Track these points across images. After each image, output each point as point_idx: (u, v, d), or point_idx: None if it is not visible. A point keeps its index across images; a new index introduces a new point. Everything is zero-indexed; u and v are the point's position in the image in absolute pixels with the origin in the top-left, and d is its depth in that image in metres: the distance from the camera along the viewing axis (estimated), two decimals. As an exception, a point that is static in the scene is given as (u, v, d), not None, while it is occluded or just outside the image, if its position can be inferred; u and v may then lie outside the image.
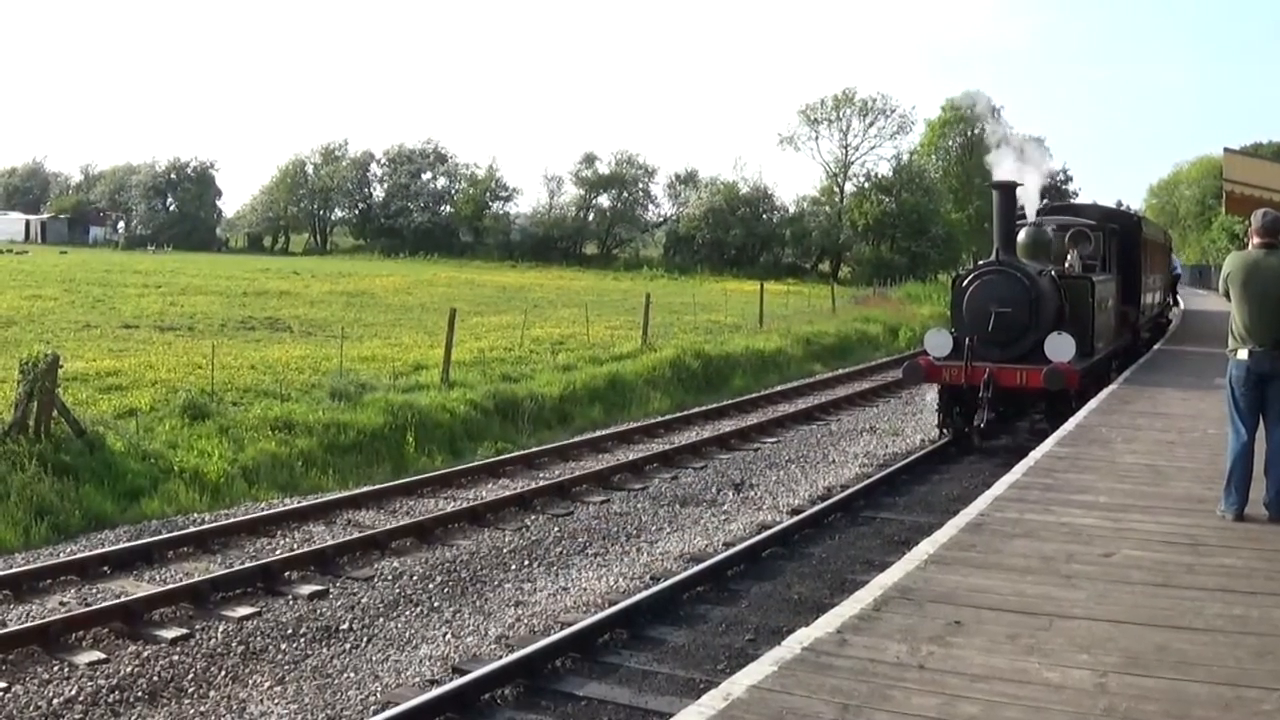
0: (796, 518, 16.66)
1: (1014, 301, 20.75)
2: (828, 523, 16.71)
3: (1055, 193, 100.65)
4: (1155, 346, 31.62)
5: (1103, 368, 23.74)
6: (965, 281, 21.79)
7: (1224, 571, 8.98)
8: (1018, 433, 22.66)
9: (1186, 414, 17.83)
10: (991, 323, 20.73)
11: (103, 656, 11.22)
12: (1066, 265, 23.90)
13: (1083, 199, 73.55)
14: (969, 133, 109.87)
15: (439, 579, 14.00)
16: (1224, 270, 11.14)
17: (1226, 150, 26.54)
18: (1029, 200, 25.95)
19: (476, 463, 20.35)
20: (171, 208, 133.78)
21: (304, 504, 17.14)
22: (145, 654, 11.35)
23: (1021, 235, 22.87)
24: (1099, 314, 23.16)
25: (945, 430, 22.48)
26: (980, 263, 22.55)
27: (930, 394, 24.49)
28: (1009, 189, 22.54)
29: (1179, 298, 47.16)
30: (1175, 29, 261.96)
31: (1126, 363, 27.00)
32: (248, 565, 13.98)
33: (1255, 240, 10.93)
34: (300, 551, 14.62)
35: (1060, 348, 20.29)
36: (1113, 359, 25.42)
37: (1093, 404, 19.13)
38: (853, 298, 63.50)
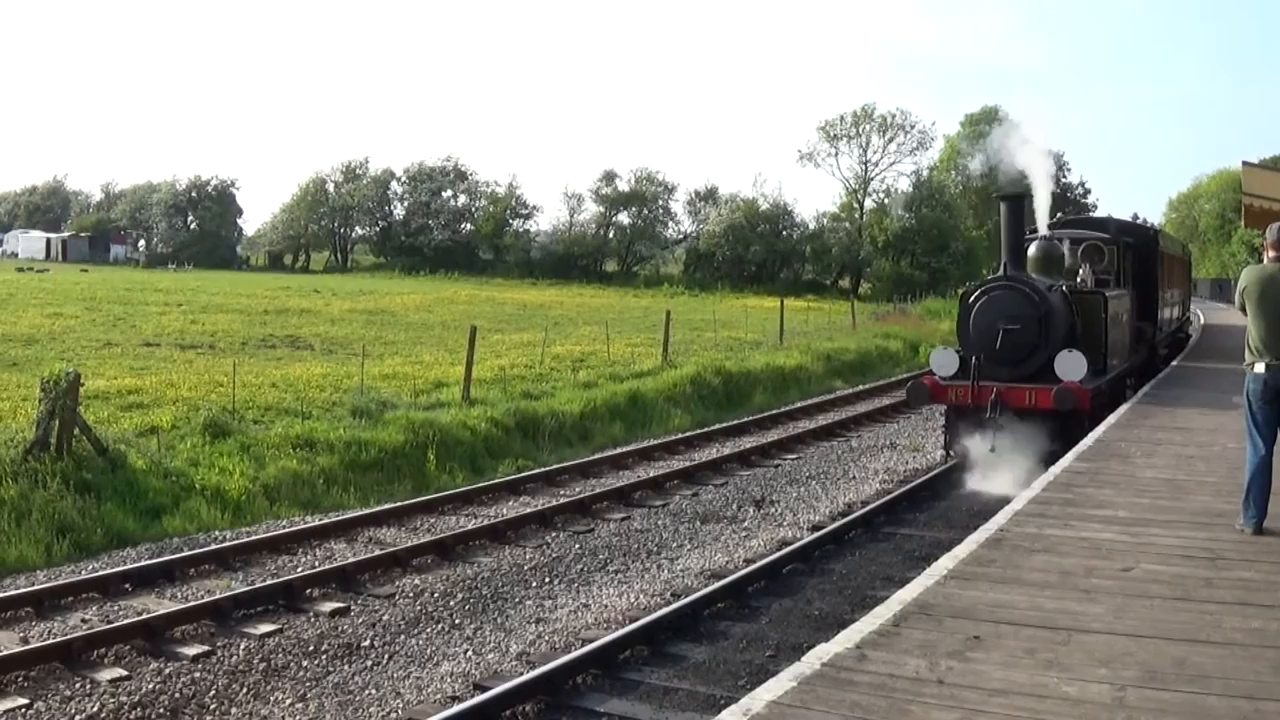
0: (817, 534, 16.68)
1: (1022, 318, 19.91)
2: (848, 539, 16.74)
3: (1074, 207, 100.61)
4: (1173, 363, 30.50)
5: (1116, 386, 22.90)
6: (972, 298, 20.91)
7: (1243, 585, 8.97)
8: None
9: (1206, 428, 17.78)
10: (999, 340, 19.87)
11: (125, 673, 11.27)
12: (1078, 280, 23.03)
13: (1100, 213, 73.30)
14: (988, 148, 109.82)
15: (460, 596, 14.04)
16: (1240, 284, 11.12)
17: (1245, 164, 26.45)
18: (1040, 214, 25.32)
19: (497, 480, 20.40)
20: (192, 226, 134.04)
21: (325, 521, 17.19)
22: (167, 671, 11.39)
23: (1032, 249, 22.26)
24: (1112, 330, 22.34)
25: (952, 453, 21.42)
26: (988, 278, 21.76)
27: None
28: (1017, 200, 21.83)
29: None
30: (1194, 42, 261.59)
31: (1142, 381, 25.94)
32: (269, 583, 14.01)
33: (1271, 254, 10.93)
34: (322, 569, 14.66)
35: (1071, 366, 19.44)
36: (1127, 377, 24.55)
37: (1112, 419, 18.95)
38: (873, 314, 63.44)
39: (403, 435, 21.36)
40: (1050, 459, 16.91)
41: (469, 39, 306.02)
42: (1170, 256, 32.72)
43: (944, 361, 20.74)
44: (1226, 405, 18.64)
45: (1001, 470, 19.11)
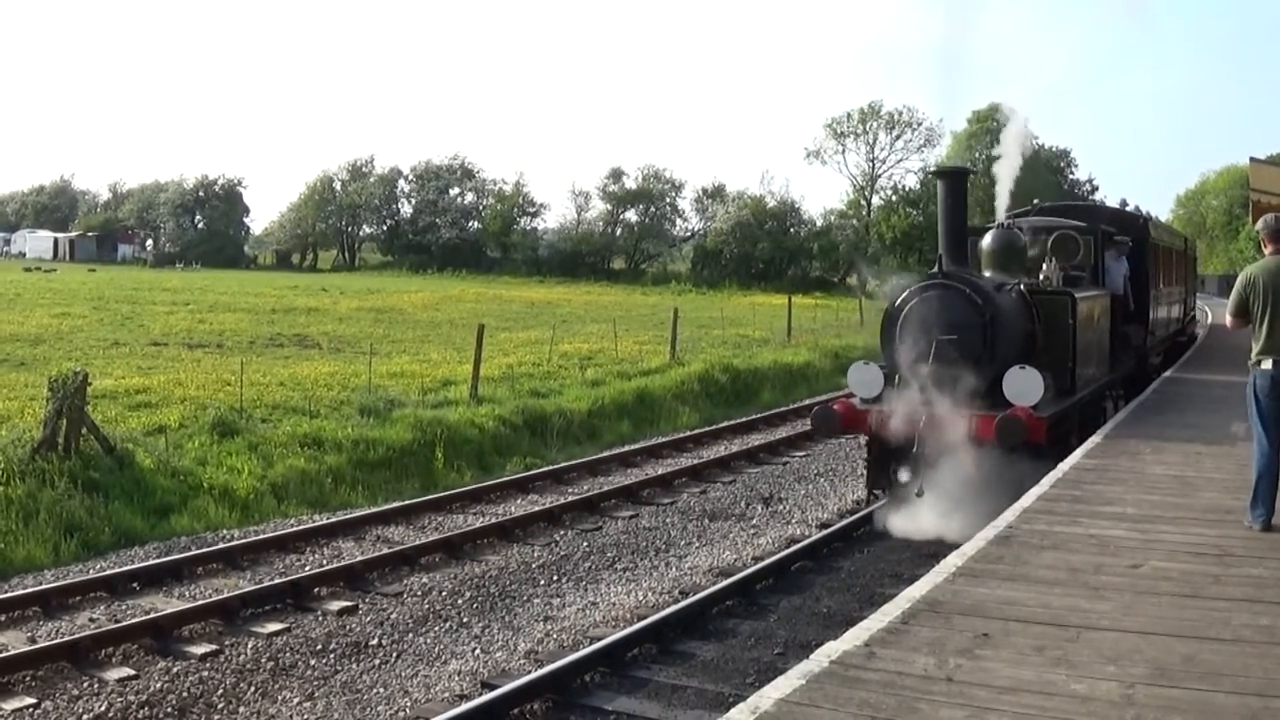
0: (825, 531, 16.63)
1: (961, 326, 16.24)
2: (856, 536, 16.69)
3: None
4: (1164, 374, 25.56)
5: (1091, 407, 19.30)
6: (899, 300, 17.17)
7: (1251, 582, 8.94)
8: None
9: (1215, 424, 17.67)
10: (932, 354, 16.14)
11: (132, 673, 11.28)
12: (1042, 278, 19.03)
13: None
14: (996, 144, 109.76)
15: (468, 594, 14.03)
16: (1240, 281, 11.03)
17: (1253, 160, 26.45)
18: (1000, 199, 21.58)
19: (505, 478, 20.40)
20: (199, 225, 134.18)
21: (333, 520, 17.20)
22: (175, 670, 11.40)
23: (986, 240, 18.90)
24: (1084, 338, 18.36)
25: (877, 494, 17.77)
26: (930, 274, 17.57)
27: None
28: (957, 178, 18.58)
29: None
30: (1201, 37, 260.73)
31: (1130, 394, 22.12)
32: (277, 581, 14.02)
33: (1270, 248, 10.87)
34: (329, 568, 14.67)
35: (1023, 386, 15.76)
36: (1108, 391, 20.84)
37: (1120, 416, 18.74)
38: (881, 311, 63.28)
39: (410, 433, 21.36)
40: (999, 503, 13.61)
41: (475, 37, 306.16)
42: (1166, 249, 29.13)
43: (865, 379, 17.22)
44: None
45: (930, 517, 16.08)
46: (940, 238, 17.85)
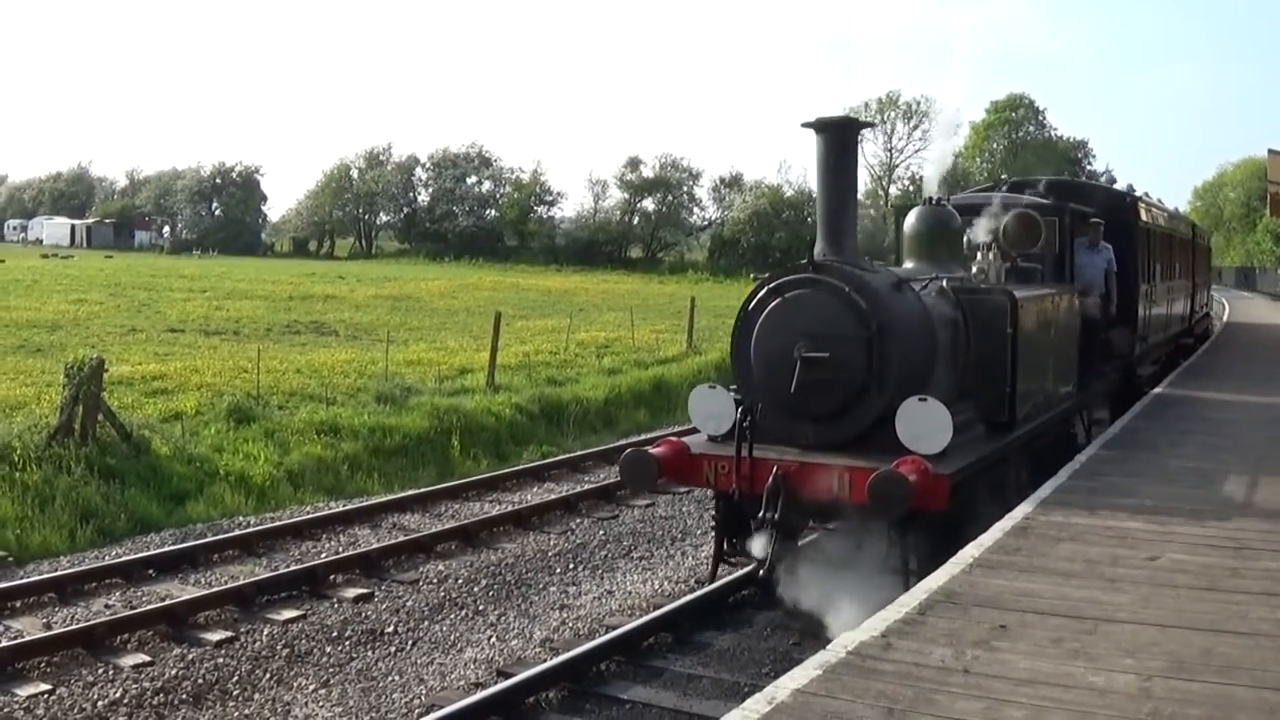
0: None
1: (837, 339, 11.55)
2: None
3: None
4: (1153, 391, 20.09)
5: (1044, 447, 14.45)
6: (755, 301, 12.27)
7: (1269, 575, 8.88)
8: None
9: (1234, 419, 17.55)
10: (795, 379, 11.50)
11: (148, 659, 11.29)
12: (975, 270, 13.87)
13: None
14: (1014, 135, 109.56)
15: (484, 582, 14.02)
16: None
17: (1271, 152, 26.29)
18: (928, 180, 15.43)
19: (522, 466, 20.43)
20: (217, 212, 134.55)
21: (349, 507, 17.20)
22: (190, 656, 11.41)
23: (911, 219, 14.36)
24: (1030, 351, 13.33)
25: (731, 561, 12.81)
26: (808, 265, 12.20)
27: None
28: (841, 131, 12.55)
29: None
30: (1211, 30, 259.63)
31: (1115, 413, 17.96)
32: (293, 568, 14.04)
33: None
34: (345, 555, 14.68)
35: (921, 426, 11.07)
36: (1079, 415, 16.73)
37: (1137, 408, 18.38)
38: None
39: (427, 421, 21.37)
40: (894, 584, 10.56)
41: (493, 25, 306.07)
42: (1164, 235, 24.09)
43: (710, 409, 12.42)
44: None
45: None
46: (818, 215, 12.64)
